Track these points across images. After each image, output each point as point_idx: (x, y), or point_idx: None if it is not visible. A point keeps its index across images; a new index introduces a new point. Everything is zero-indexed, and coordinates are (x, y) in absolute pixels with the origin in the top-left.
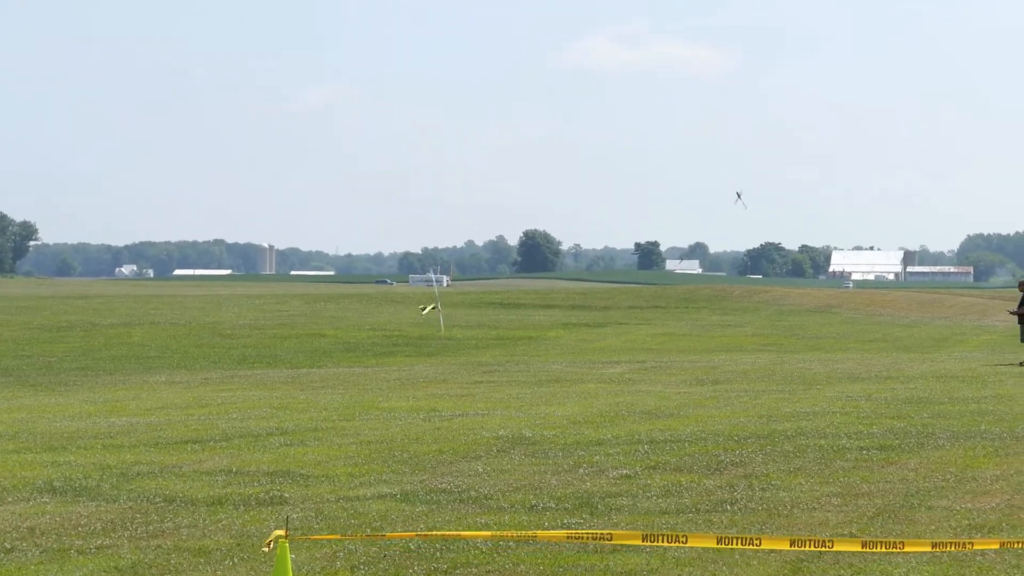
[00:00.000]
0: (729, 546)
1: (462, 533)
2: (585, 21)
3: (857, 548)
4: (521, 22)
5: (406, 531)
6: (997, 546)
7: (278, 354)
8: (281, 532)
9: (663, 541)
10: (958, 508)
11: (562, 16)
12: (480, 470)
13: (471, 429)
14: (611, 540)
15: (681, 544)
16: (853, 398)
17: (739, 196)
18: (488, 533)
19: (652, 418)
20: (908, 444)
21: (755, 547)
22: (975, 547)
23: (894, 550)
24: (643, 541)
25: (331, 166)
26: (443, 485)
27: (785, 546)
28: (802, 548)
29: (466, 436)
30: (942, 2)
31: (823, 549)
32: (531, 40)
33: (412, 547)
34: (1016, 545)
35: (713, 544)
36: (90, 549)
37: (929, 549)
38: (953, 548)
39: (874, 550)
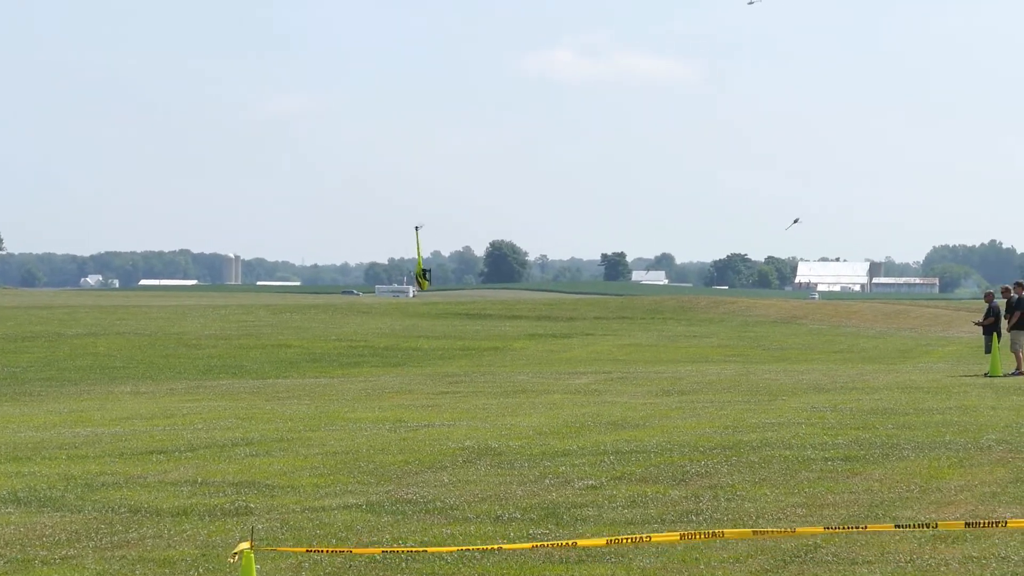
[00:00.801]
0: (693, 540)
1: (428, 549)
2: (547, 32)
3: (820, 530)
4: (484, 32)
5: (371, 541)
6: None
7: (244, 364)
8: (246, 543)
9: (628, 543)
10: (923, 519)
11: (524, 26)
12: (446, 480)
13: (437, 440)
14: (576, 546)
15: (646, 541)
16: (818, 409)
17: (796, 221)
18: (454, 548)
19: (618, 429)
20: (873, 455)
21: (719, 538)
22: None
23: (853, 530)
24: (607, 544)
25: (297, 176)
26: (409, 496)
27: (748, 535)
28: (764, 537)
29: (432, 447)
30: (906, 13)
31: (785, 534)
32: (495, 50)
33: (378, 558)
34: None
35: (676, 539)
36: (54, 560)
37: (892, 529)
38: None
39: (836, 531)
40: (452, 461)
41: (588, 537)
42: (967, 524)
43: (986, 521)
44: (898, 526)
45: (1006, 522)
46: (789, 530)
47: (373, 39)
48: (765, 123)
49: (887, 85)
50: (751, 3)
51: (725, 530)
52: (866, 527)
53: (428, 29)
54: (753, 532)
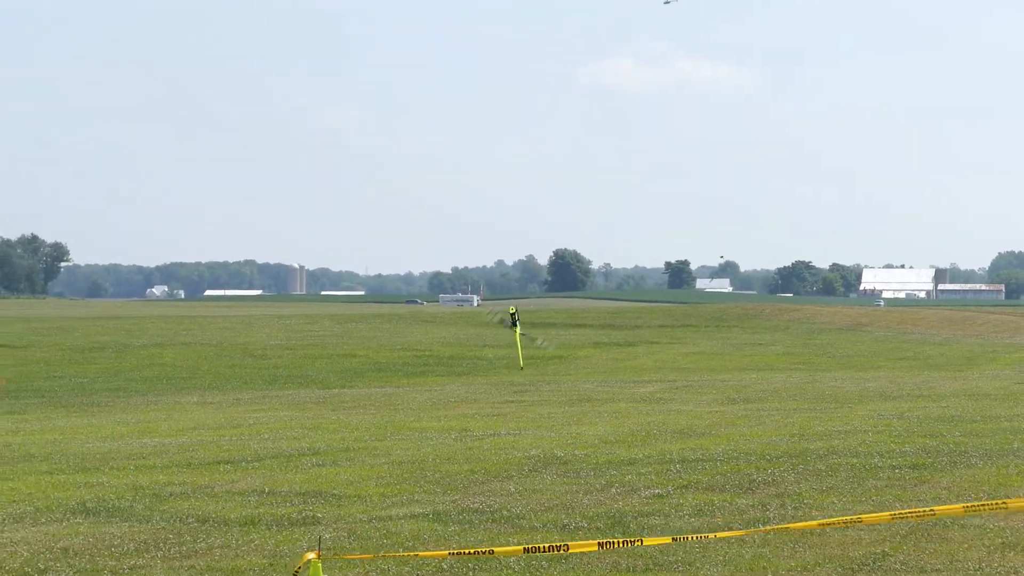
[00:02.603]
0: (759, 547)
1: (495, 549)
2: (607, 40)
3: (886, 519)
4: (544, 41)
5: (438, 550)
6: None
7: (309, 374)
8: (314, 552)
9: (692, 540)
10: (991, 527)
11: (583, 36)
12: (512, 490)
13: (503, 449)
14: (642, 543)
15: (709, 538)
16: (885, 416)
17: None
18: (519, 548)
19: (684, 437)
20: (940, 463)
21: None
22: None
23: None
24: (672, 541)
25: (361, 187)
26: (475, 505)
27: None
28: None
29: (498, 456)
30: (972, 19)
31: (851, 522)
32: (555, 60)
33: (444, 566)
34: None
35: (740, 535)
36: (123, 570)
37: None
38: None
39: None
40: (518, 470)
41: (655, 546)
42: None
43: None
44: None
45: None
46: (856, 517)
47: (435, 50)
48: (828, 130)
49: (951, 90)
50: (667, 2)
51: (791, 524)
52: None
53: (490, 40)
54: (819, 524)
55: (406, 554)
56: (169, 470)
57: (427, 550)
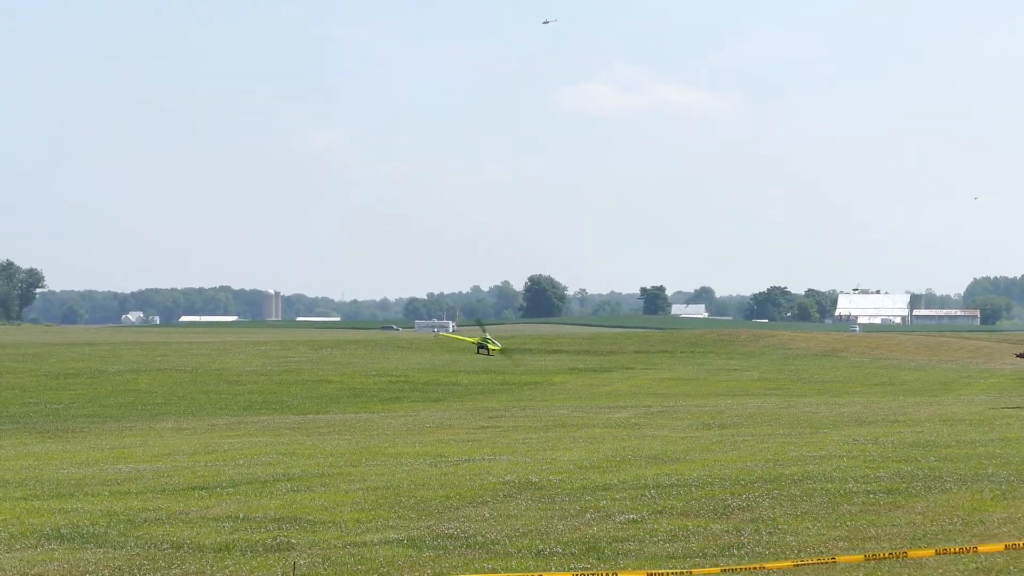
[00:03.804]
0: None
1: None
2: (582, 66)
3: (859, 559)
4: (520, 67)
5: None
6: None
7: (284, 400)
8: None
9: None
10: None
11: (559, 61)
12: (487, 515)
13: (477, 474)
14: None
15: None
16: (860, 442)
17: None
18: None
19: (659, 463)
20: (915, 488)
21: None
22: None
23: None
24: None
25: (336, 212)
26: (450, 531)
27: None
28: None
29: (472, 481)
30: (946, 43)
31: (825, 562)
32: (531, 85)
33: None
34: None
35: (716, 572)
36: None
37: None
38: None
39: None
40: (493, 496)
41: (630, 571)
42: (1007, 547)
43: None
44: (939, 552)
45: None
46: (830, 558)
47: (411, 74)
48: (804, 155)
49: (926, 115)
50: (546, 22)
51: (767, 564)
52: (906, 553)
53: (466, 65)
54: (794, 564)
55: None
56: (144, 496)
57: None
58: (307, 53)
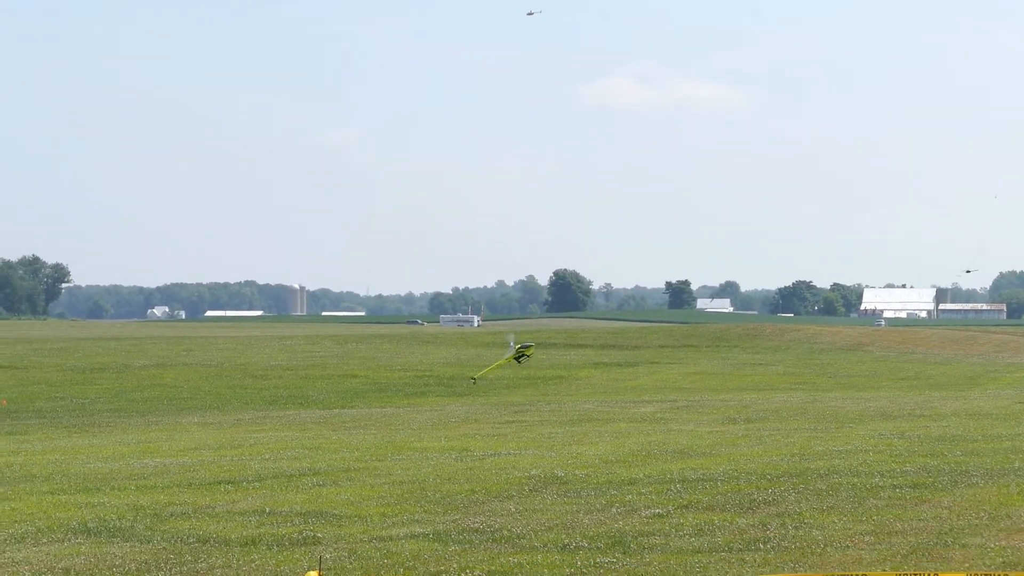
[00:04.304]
0: None
1: None
2: (605, 60)
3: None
4: (543, 61)
5: (438, 570)
6: None
7: (310, 395)
8: (315, 572)
9: None
10: (992, 546)
11: (581, 55)
12: (512, 509)
13: (503, 469)
14: None
15: None
16: (886, 436)
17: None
18: None
19: (684, 457)
20: (941, 482)
21: None
22: None
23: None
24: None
25: (362, 207)
26: (476, 525)
27: None
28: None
29: (498, 476)
30: (972, 38)
31: None
32: (554, 79)
33: None
34: None
35: None
36: None
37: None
38: None
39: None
40: (518, 490)
41: (656, 567)
42: None
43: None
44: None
45: None
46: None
47: (436, 71)
48: (829, 150)
49: (952, 110)
50: (530, 13)
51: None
52: None
53: (485, 62)
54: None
55: None
56: (170, 490)
57: (427, 570)
58: (329, 50)
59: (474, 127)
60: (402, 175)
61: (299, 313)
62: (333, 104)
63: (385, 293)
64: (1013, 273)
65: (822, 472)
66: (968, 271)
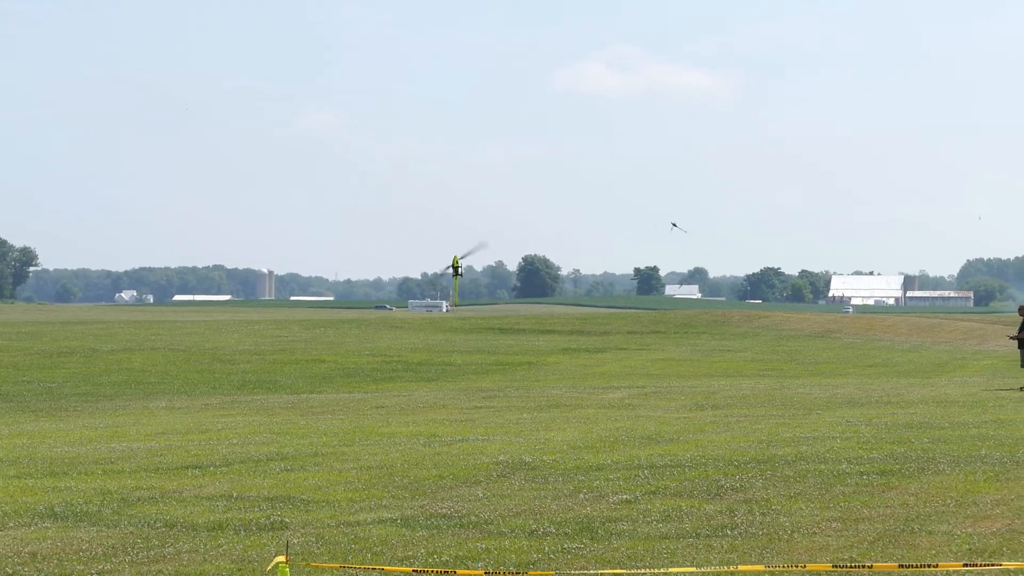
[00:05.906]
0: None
1: (457, 572)
2: (577, 45)
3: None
4: (515, 46)
5: (406, 556)
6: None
7: (278, 379)
8: (282, 557)
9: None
10: (959, 533)
11: (554, 40)
12: (480, 495)
13: (471, 454)
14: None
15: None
16: (853, 423)
17: (674, 225)
18: (480, 572)
19: (652, 443)
20: (908, 469)
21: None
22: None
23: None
24: None
25: (330, 192)
26: (443, 510)
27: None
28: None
29: (466, 461)
30: (941, 26)
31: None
32: (526, 64)
33: None
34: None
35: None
36: (91, 574)
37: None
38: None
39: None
40: (486, 476)
41: (623, 553)
42: (965, 565)
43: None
44: (902, 566)
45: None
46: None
47: (404, 55)
48: (798, 136)
49: (922, 97)
50: None
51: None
52: (871, 566)
53: (459, 44)
54: (765, 568)
55: (371, 567)
56: (137, 475)
57: (395, 555)
58: (302, 34)
59: (447, 112)
60: (372, 160)
61: (267, 298)
62: (304, 88)
63: (354, 278)
64: (981, 261)
65: (789, 459)
66: (979, 217)
